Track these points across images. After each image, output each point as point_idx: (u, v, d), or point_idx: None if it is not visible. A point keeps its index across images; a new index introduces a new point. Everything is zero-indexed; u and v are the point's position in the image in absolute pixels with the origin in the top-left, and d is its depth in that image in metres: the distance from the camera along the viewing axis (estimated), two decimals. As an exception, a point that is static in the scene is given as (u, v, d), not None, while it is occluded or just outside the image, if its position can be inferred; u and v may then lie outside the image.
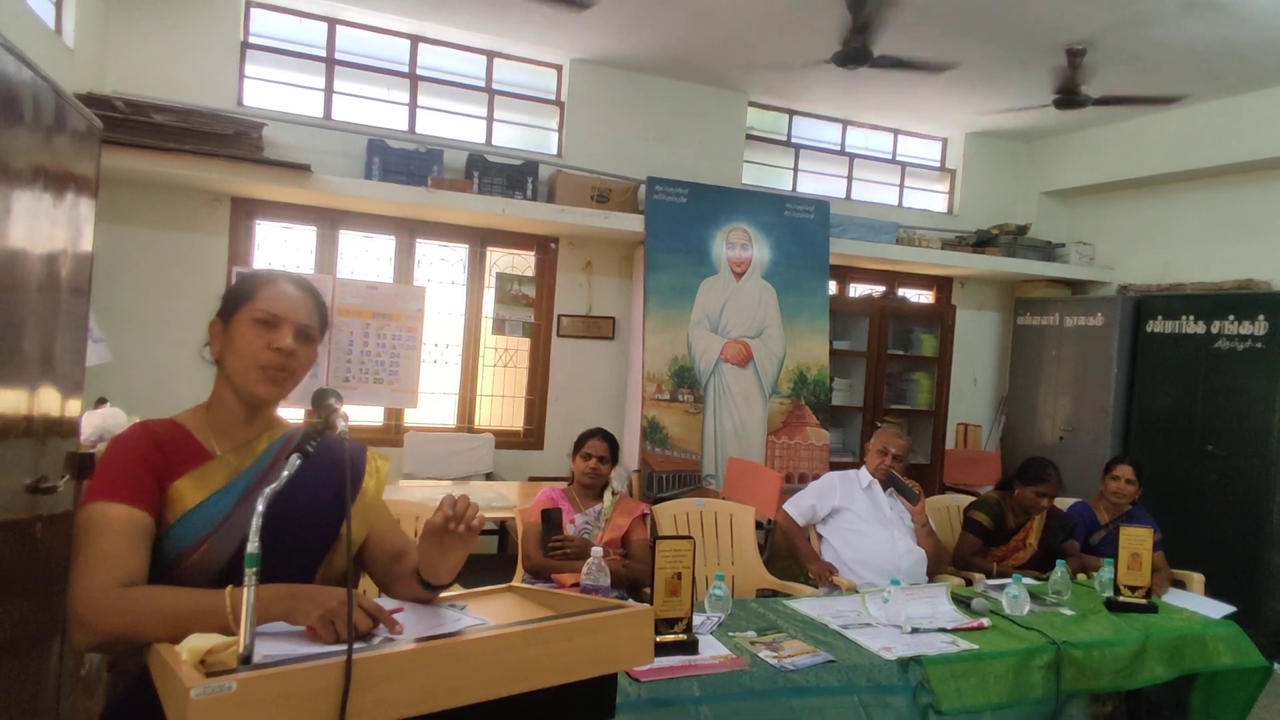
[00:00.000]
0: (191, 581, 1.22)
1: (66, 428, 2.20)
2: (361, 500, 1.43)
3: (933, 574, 3.24)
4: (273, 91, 4.71)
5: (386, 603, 1.27)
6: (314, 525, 1.34)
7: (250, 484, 1.30)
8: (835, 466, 4.88)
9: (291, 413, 1.64)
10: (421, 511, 3.05)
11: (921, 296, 6.51)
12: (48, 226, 1.95)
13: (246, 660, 0.98)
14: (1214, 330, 4.98)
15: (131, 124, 3.87)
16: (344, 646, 1.00)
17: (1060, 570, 2.86)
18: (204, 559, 1.25)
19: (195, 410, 1.38)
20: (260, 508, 1.07)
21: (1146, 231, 5.93)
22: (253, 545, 1.02)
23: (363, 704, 0.96)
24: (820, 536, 3.38)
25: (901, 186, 6.40)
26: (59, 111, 1.99)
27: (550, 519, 2.93)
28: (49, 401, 2.06)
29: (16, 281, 1.81)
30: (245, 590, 1.00)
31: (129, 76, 4.25)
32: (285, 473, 1.18)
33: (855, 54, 3.95)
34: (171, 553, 1.25)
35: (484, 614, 1.29)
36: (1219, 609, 2.96)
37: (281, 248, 4.81)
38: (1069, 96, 4.53)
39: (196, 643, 1.01)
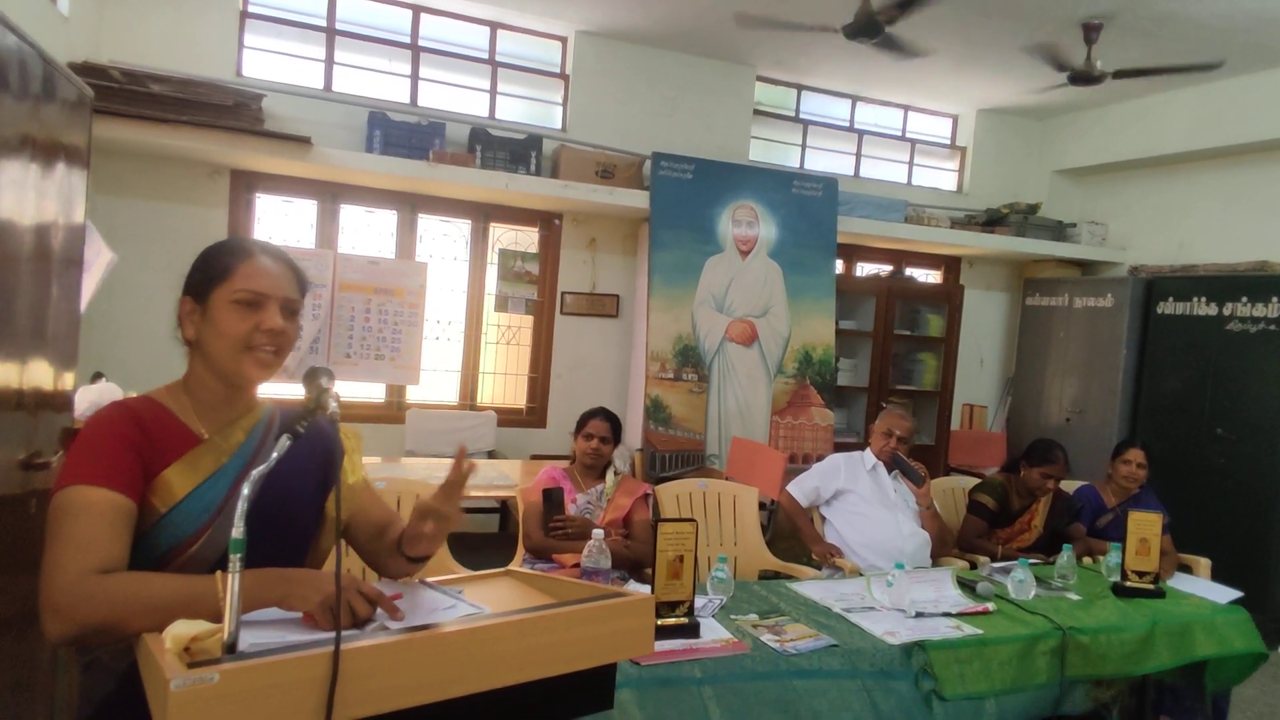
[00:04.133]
0: (189, 574, 1.17)
1: (60, 401, 2.17)
2: (343, 483, 1.37)
3: (937, 556, 3.21)
4: (272, 62, 4.63)
5: (387, 588, 1.23)
6: (299, 509, 1.30)
7: (241, 468, 1.24)
8: (839, 447, 4.85)
9: (288, 389, 1.57)
10: (423, 489, 3.03)
11: (929, 276, 6.44)
12: (36, 198, 1.91)
13: (231, 649, 0.95)
14: (1226, 312, 4.91)
15: (128, 94, 3.81)
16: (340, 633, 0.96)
17: (1067, 554, 2.82)
18: (202, 550, 1.19)
19: (172, 389, 1.29)
20: (246, 491, 1.03)
21: (1161, 211, 5.83)
22: (238, 530, 0.98)
23: (352, 696, 0.93)
24: (823, 518, 3.35)
25: (911, 164, 6.31)
26: (47, 79, 1.93)
27: (551, 499, 2.90)
28: (41, 374, 2.03)
29: (4, 253, 1.77)
30: (229, 576, 0.96)
31: (126, 45, 4.18)
32: (275, 454, 1.13)
33: (867, 26, 3.85)
34: (166, 545, 1.19)
35: (481, 599, 1.25)
36: (1226, 594, 2.92)
37: (282, 221, 4.76)
38: (1084, 73, 4.43)
39: (181, 630, 0.97)
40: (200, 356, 1.27)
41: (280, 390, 1.45)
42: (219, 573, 1.08)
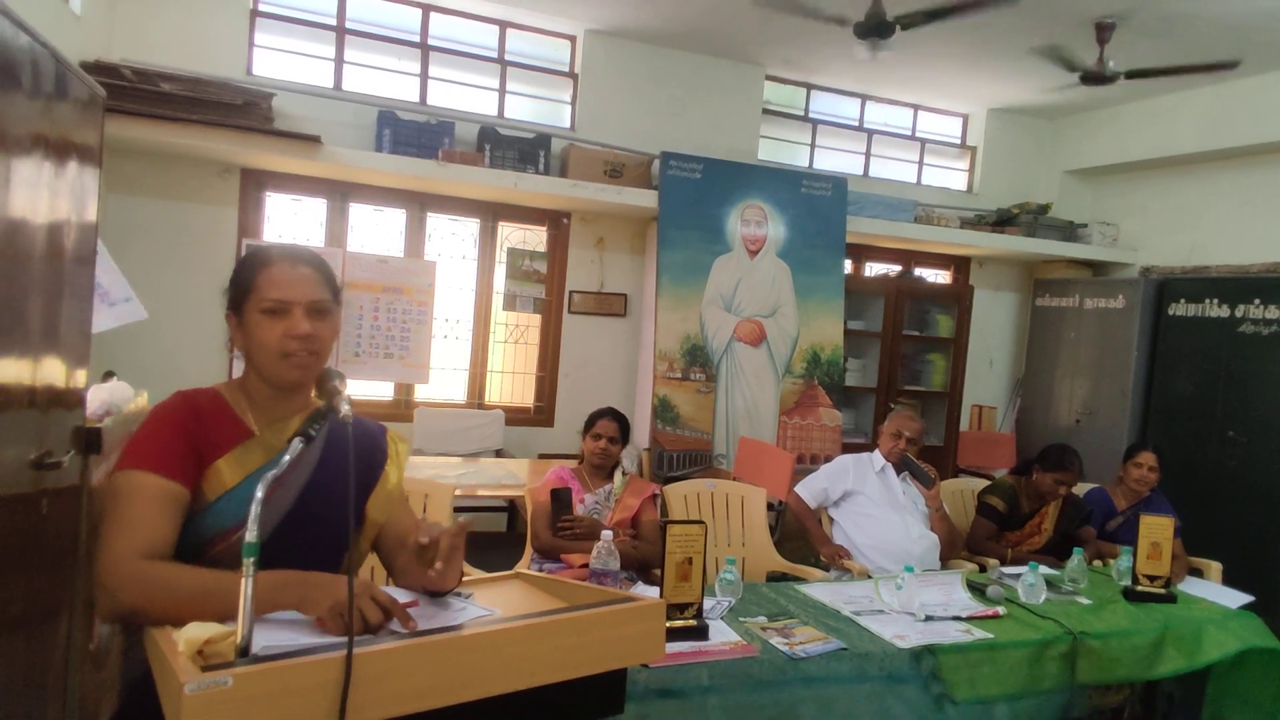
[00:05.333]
0: (226, 564, 1.19)
1: (72, 400, 2.17)
2: (383, 486, 1.42)
3: (946, 559, 3.20)
4: (283, 61, 4.64)
5: (401, 595, 1.23)
6: (340, 514, 1.30)
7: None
8: (848, 448, 4.84)
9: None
10: (431, 489, 3.04)
11: (939, 276, 6.41)
12: (49, 196, 1.91)
13: (244, 652, 0.95)
14: (1238, 314, 4.88)
15: (139, 93, 3.82)
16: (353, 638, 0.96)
17: (1077, 558, 2.81)
18: (241, 542, 1.22)
19: (232, 384, 1.37)
20: (259, 494, 1.03)
21: (1173, 212, 5.79)
22: (250, 534, 0.99)
23: (364, 699, 0.93)
24: (831, 520, 3.34)
25: (921, 163, 6.28)
26: (59, 79, 1.94)
27: (560, 499, 2.90)
28: (53, 373, 2.03)
29: (17, 251, 1.77)
30: (243, 580, 0.97)
31: (137, 44, 4.19)
32: (286, 457, 1.14)
33: (878, 27, 3.83)
34: (209, 532, 1.23)
35: (491, 603, 1.25)
36: (1237, 598, 2.91)
37: (292, 220, 4.77)
38: (1096, 73, 4.40)
39: (194, 632, 0.97)
40: (250, 364, 1.34)
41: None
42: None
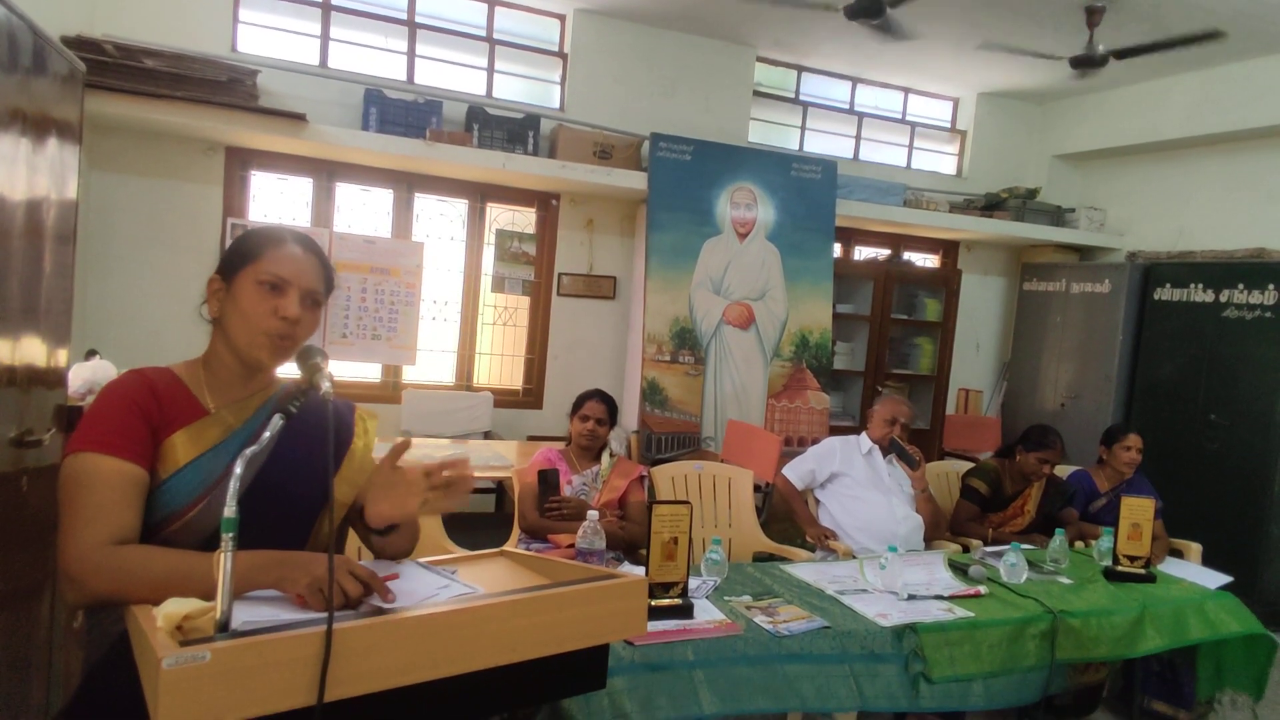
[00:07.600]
0: (181, 543, 1.17)
1: (53, 378, 2.16)
2: (350, 462, 1.39)
3: (930, 540, 3.23)
4: (268, 38, 4.57)
5: (382, 568, 1.23)
6: (304, 489, 1.30)
7: (244, 444, 1.24)
8: (835, 430, 4.86)
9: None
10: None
11: (927, 260, 6.42)
12: (27, 172, 1.89)
13: (224, 628, 0.95)
14: (1223, 299, 4.92)
15: (122, 68, 3.76)
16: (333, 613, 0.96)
17: (1059, 539, 2.84)
18: (196, 520, 1.21)
19: (191, 363, 1.33)
20: (238, 469, 1.03)
21: (1160, 197, 5.82)
22: (229, 509, 0.98)
23: (344, 674, 0.93)
24: (818, 501, 3.37)
25: (910, 147, 6.27)
26: (38, 53, 1.91)
27: (547, 480, 2.90)
28: (34, 351, 2.02)
29: (-5, 229, 1.75)
30: (222, 555, 0.96)
31: (120, 19, 4.13)
32: (267, 434, 1.13)
33: (869, 7, 3.80)
34: (162, 511, 1.20)
35: (475, 580, 1.26)
36: (1216, 579, 2.95)
37: (277, 199, 4.72)
38: (1086, 58, 4.39)
39: (173, 608, 0.97)
40: (220, 334, 1.31)
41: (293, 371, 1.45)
42: (217, 552, 1.09)
